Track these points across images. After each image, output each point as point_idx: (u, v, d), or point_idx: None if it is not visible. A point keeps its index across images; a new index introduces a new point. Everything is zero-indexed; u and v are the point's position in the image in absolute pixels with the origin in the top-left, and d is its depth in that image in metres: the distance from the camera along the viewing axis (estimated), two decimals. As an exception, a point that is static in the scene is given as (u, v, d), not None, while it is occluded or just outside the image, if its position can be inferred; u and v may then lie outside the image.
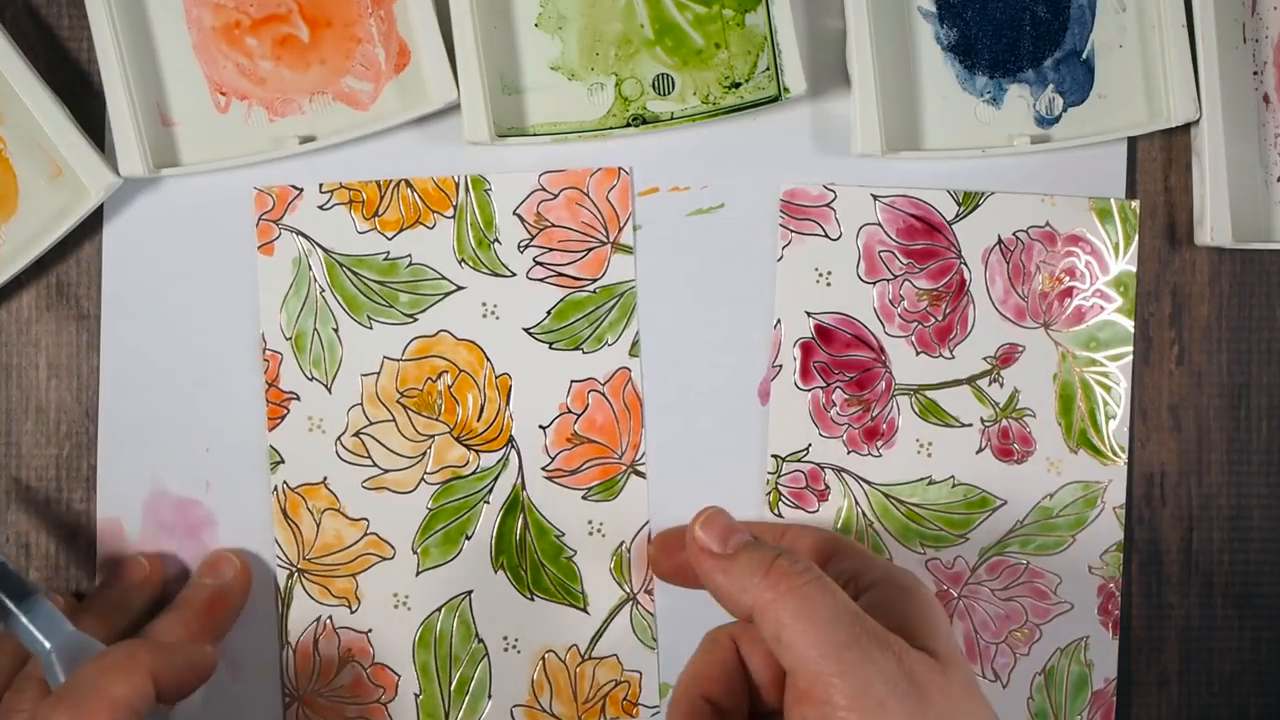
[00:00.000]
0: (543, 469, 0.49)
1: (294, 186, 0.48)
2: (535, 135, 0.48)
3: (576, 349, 0.49)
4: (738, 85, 0.49)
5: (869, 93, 0.48)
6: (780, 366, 0.50)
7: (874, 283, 0.50)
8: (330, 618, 0.49)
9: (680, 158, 0.50)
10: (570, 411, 0.49)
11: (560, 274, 0.49)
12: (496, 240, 0.48)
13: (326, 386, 0.49)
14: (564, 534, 0.49)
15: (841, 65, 0.50)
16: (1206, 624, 0.52)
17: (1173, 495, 0.52)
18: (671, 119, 0.48)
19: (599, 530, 0.49)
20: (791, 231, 0.50)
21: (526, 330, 0.49)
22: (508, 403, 0.49)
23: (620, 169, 0.48)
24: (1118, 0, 0.50)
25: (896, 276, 0.50)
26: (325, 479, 0.49)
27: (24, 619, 0.42)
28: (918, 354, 0.50)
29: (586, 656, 0.49)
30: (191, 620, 0.46)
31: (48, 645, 0.41)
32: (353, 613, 0.49)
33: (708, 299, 0.50)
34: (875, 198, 0.50)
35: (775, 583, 0.38)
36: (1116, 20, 0.50)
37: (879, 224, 0.50)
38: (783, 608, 0.37)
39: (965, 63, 0.50)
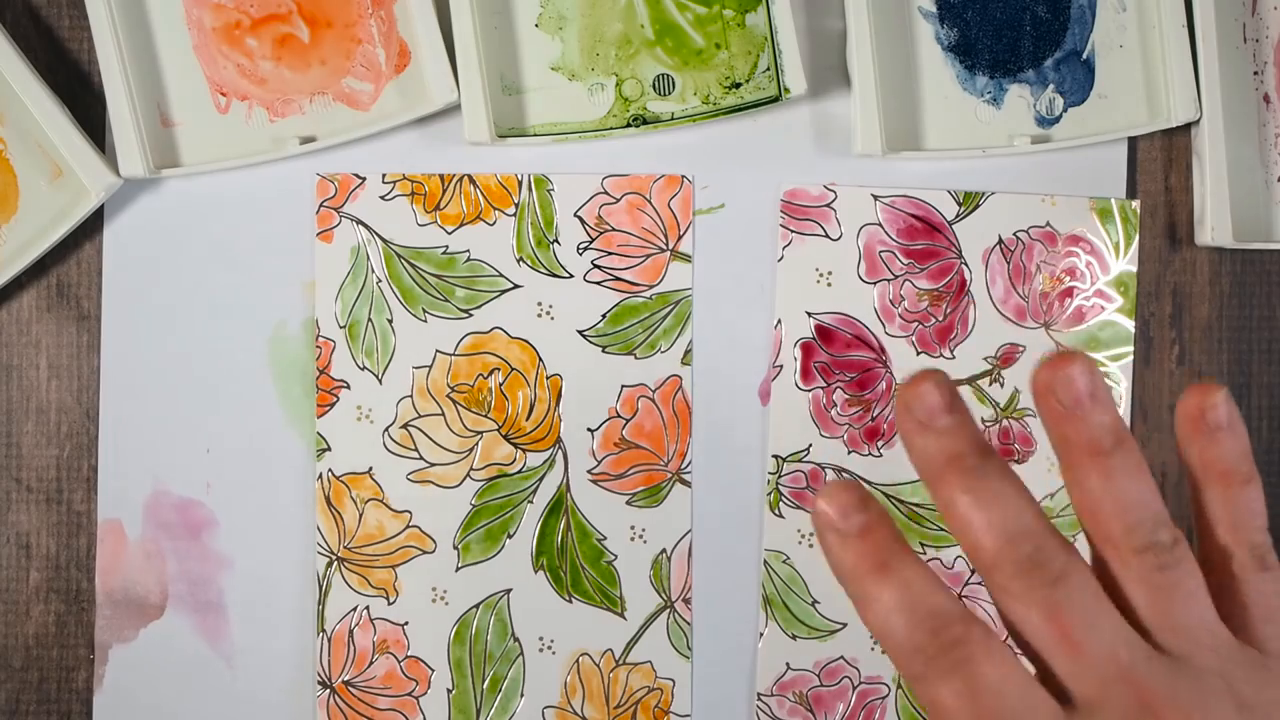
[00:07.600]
0: (588, 472, 0.49)
1: (356, 175, 0.49)
2: (535, 136, 0.48)
3: (629, 354, 0.49)
4: (738, 85, 0.49)
5: (869, 93, 0.48)
6: (781, 367, 0.50)
7: (874, 283, 0.50)
8: (367, 608, 0.49)
9: (680, 158, 0.50)
10: (619, 416, 0.49)
11: (617, 278, 0.49)
12: (556, 241, 0.49)
13: (377, 377, 0.49)
14: (606, 538, 0.49)
15: (841, 65, 0.50)
16: (1207, 624, 0.52)
17: (1173, 495, 0.52)
18: (672, 119, 0.48)
19: (641, 536, 0.49)
20: (792, 231, 0.50)
21: (580, 332, 0.49)
22: (557, 403, 0.49)
23: (684, 177, 0.49)
24: (1118, 0, 0.50)
25: (897, 276, 0.50)
26: (370, 469, 0.49)
27: None
28: (918, 354, 0.50)
29: (621, 661, 0.49)
30: None
31: None
32: (390, 604, 0.49)
33: (708, 299, 0.50)
34: (875, 198, 0.50)
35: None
36: (1117, 20, 0.50)
37: (879, 224, 0.50)
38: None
39: (965, 63, 0.50)
